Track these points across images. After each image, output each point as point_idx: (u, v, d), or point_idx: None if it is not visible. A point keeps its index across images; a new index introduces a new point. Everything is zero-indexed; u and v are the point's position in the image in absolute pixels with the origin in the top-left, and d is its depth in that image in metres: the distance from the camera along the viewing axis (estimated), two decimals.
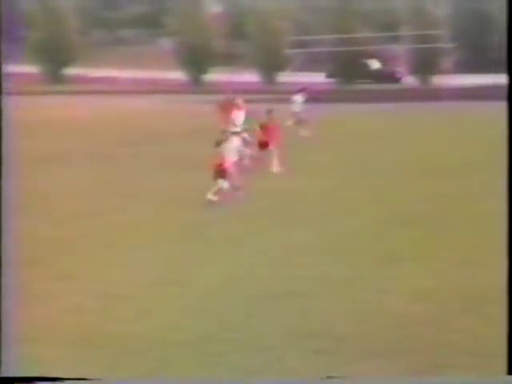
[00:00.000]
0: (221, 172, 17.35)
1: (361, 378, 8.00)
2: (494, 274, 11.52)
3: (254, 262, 12.60)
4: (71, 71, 75.80)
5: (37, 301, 10.62)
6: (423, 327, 9.46)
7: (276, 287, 11.16)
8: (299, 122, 29.50)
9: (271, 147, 22.06)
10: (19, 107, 44.75)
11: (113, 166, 20.83)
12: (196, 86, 71.11)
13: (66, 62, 75.76)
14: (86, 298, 10.76)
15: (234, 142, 18.38)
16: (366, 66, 63.62)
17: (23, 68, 74.34)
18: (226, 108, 29.21)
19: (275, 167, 21.63)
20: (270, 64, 70.80)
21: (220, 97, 30.80)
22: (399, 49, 68.74)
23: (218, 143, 17.76)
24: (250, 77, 71.06)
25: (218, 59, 72.71)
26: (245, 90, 61.99)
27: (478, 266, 12.09)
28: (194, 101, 51.80)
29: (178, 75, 74.01)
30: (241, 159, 19.36)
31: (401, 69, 63.49)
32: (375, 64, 64.64)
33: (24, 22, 72.65)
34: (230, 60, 73.27)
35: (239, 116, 26.58)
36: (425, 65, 66.42)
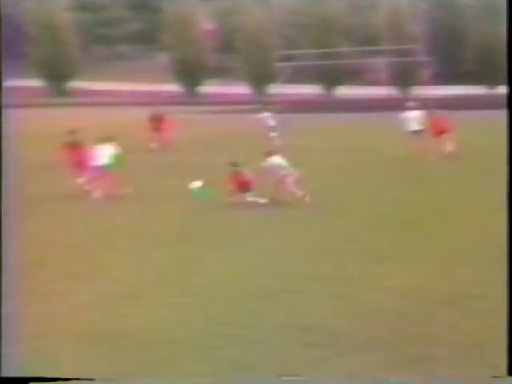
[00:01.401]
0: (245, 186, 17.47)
1: (361, 378, 7.92)
2: (474, 271, 11.52)
3: (248, 261, 12.53)
4: (73, 85, 75.72)
5: (43, 300, 10.54)
6: (408, 322, 9.40)
7: (269, 285, 11.08)
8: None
9: (447, 134, 23.94)
10: (24, 119, 44.82)
11: None
12: (190, 97, 71.09)
13: (67, 77, 75.64)
14: (91, 297, 10.69)
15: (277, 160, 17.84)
16: None
17: (27, 82, 74.32)
18: (156, 123, 28.09)
19: (450, 148, 23.90)
20: (260, 76, 70.89)
21: (152, 110, 29.25)
22: (379, 62, 68.88)
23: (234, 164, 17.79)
24: (242, 89, 71.10)
25: (211, 72, 72.79)
26: (237, 100, 62.39)
27: (458, 264, 12.03)
28: (190, 111, 51.72)
29: (173, 88, 74.02)
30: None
31: None
32: None
33: (26, 38, 72.57)
34: (222, 73, 73.32)
35: (167, 132, 26.52)
36: (403, 77, 66.63)
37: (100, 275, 11.83)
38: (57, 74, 74.32)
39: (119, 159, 19.23)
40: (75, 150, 20.16)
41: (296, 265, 12.18)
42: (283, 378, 7.79)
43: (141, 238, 14.40)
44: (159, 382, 7.97)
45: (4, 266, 12.10)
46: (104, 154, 18.90)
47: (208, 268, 12.15)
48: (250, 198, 17.44)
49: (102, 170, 18.71)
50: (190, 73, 72.69)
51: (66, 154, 20.46)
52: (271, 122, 29.48)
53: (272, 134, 28.54)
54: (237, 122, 40.54)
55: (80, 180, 19.65)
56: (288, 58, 65.23)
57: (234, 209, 17.04)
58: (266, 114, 29.74)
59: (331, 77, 70.23)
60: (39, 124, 40.61)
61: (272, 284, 11.12)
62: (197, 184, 17.98)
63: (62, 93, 74.37)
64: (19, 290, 11.04)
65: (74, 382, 7.50)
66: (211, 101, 64.02)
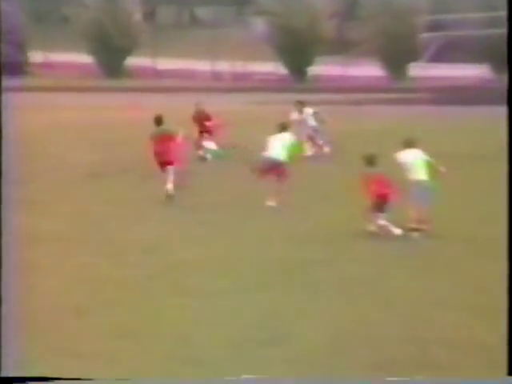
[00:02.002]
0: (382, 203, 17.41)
1: (360, 378, 8.74)
2: None
3: (372, 315, 12.55)
4: (133, 62, 76.88)
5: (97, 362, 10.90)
6: None
7: (407, 353, 11.08)
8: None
9: None
10: (66, 106, 45.75)
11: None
12: (297, 81, 71.30)
13: (125, 51, 76.74)
14: (147, 361, 10.87)
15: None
16: None
17: (69, 57, 76.07)
18: (199, 118, 28.52)
19: None
20: (397, 52, 70.37)
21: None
22: None
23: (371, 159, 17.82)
24: (371, 69, 70.67)
25: (327, 47, 72.61)
26: (364, 86, 62.00)
27: None
28: (293, 101, 51.71)
29: (273, 67, 74.34)
30: None
31: None
32: None
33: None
34: (342, 48, 73.15)
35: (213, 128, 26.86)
36: None
37: (165, 332, 11.99)
38: (110, 46, 75.57)
39: (295, 150, 21.50)
40: (166, 141, 21.54)
41: (445, 327, 12.11)
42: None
43: (223, 279, 14.55)
44: (159, 382, 9.39)
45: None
46: (278, 144, 21.07)
47: (318, 322, 12.18)
48: (382, 221, 17.28)
49: (275, 163, 20.74)
50: (297, 47, 72.68)
51: (156, 148, 21.58)
52: (311, 123, 28.95)
53: (315, 140, 28.36)
54: (365, 117, 40.47)
55: (169, 186, 21.09)
56: (438, 26, 64.83)
57: (355, 238, 17.04)
58: (308, 110, 29.16)
59: (502, 52, 69.21)
60: (88, 114, 41.46)
61: (406, 350, 11.11)
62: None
63: (119, 72, 75.66)
64: None
65: (74, 382, 9.29)
66: (326, 87, 64.06)
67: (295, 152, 21.52)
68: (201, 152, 27.88)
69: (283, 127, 21.67)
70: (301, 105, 29.21)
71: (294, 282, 14.32)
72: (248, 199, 21.02)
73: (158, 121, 21.90)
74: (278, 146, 20.93)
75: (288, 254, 16.17)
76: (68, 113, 42.48)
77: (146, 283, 14.33)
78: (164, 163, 21.40)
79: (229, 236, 17.57)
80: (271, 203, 20.28)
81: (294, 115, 28.50)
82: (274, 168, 20.69)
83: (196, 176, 23.41)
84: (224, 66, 74.48)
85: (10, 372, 9.75)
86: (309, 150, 28.08)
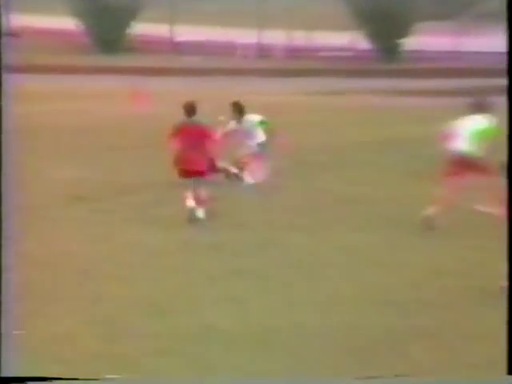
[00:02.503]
0: None
1: (361, 378, 10.73)
2: None
3: None
4: (138, 31, 77.10)
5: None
6: None
7: None
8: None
9: None
10: (42, 93, 46.09)
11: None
12: (386, 60, 71.23)
13: (128, 14, 77.09)
14: None
15: None
16: None
17: (50, 22, 76.51)
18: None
19: None
20: None
21: None
22: None
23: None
24: (496, 41, 70.29)
25: (431, 8, 72.32)
26: (488, 68, 61.27)
27: None
28: (382, 89, 51.91)
29: (348, 39, 74.27)
30: None
31: None
32: None
33: None
34: (453, 9, 72.97)
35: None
36: None
37: None
38: (105, 7, 75.99)
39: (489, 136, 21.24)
40: (199, 139, 21.85)
41: None
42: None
43: (266, 354, 14.49)
44: (158, 381, 12.88)
45: None
46: (468, 132, 21.17)
47: None
48: None
49: (465, 159, 20.86)
50: (386, 9, 72.65)
51: (182, 146, 21.86)
52: (256, 137, 28.54)
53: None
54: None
55: (194, 204, 21.54)
56: None
57: (479, 298, 16.99)
58: (251, 118, 28.91)
59: None
60: (75, 107, 41.87)
61: None
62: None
63: (116, 46, 75.97)
64: None
65: (73, 382, 12.32)
66: (430, 68, 64.06)
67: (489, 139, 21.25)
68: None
69: (479, 107, 21.66)
70: (239, 108, 28.19)
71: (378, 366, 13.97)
72: (304, 235, 21.04)
73: (190, 110, 22.07)
74: (469, 136, 21.09)
75: (369, 320, 16.05)
76: (44, 103, 42.81)
77: (154, 360, 14.32)
78: (191, 172, 21.73)
79: (277, 293, 17.46)
80: (482, 208, 20.82)
81: (232, 124, 27.96)
82: (467, 166, 20.83)
83: (226, 200, 23.84)
84: (275, 38, 74.38)
85: (9, 372, 12.43)
86: (247, 176, 27.65)
